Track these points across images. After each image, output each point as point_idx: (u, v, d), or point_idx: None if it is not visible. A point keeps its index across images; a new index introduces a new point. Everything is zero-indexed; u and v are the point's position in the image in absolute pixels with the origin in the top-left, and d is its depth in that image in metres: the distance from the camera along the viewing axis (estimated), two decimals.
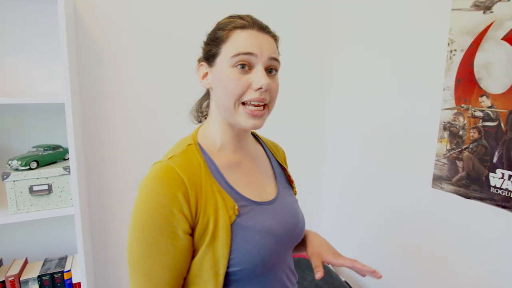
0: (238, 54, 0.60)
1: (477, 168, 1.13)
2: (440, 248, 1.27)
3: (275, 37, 0.67)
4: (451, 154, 1.21)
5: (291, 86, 1.80)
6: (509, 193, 1.03)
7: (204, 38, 0.69)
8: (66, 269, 1.19)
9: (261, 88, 0.60)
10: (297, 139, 1.87)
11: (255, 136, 0.85)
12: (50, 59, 1.27)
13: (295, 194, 0.83)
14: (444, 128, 1.23)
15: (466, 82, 1.14)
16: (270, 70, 0.64)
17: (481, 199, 1.12)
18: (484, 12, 1.07)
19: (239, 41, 0.61)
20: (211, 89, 0.68)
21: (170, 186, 0.57)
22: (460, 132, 1.18)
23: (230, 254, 0.59)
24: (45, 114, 1.29)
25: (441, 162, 1.25)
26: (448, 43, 1.19)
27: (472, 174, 1.15)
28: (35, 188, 1.13)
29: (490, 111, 1.08)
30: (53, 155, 1.22)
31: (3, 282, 1.13)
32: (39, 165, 1.16)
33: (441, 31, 1.21)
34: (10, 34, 1.22)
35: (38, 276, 1.16)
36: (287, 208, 0.73)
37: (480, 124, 1.11)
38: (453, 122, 1.20)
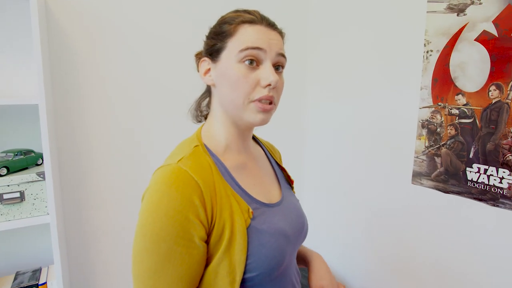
0: (246, 49, 0.58)
1: (455, 163, 1.18)
2: (421, 242, 1.31)
3: (282, 34, 0.66)
4: (429, 151, 1.26)
5: None
6: (485, 186, 1.09)
7: (206, 32, 0.66)
8: (41, 282, 1.11)
9: (269, 85, 0.59)
10: (276, 139, 1.87)
11: (253, 137, 0.84)
12: (21, 58, 1.19)
13: (294, 193, 0.83)
14: (423, 126, 1.28)
15: (443, 81, 1.19)
16: (277, 67, 0.63)
17: (459, 193, 1.17)
18: (457, 15, 1.12)
19: (248, 36, 0.59)
20: (214, 86, 0.65)
21: (185, 190, 0.53)
22: (438, 129, 1.22)
23: (246, 259, 0.56)
24: (15, 117, 1.21)
25: (420, 158, 1.30)
26: (424, 44, 1.24)
27: (450, 169, 1.19)
28: (5, 196, 1.05)
29: (466, 108, 1.13)
30: (25, 160, 1.14)
31: None
32: (9, 171, 1.08)
33: (417, 33, 1.26)
34: None
35: None
36: (294, 208, 0.72)
37: (456, 121, 1.16)
38: (430, 120, 1.25)
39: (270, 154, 0.82)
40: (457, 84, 1.15)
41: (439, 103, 1.21)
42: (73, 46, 1.30)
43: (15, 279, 1.14)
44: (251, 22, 0.60)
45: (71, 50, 1.29)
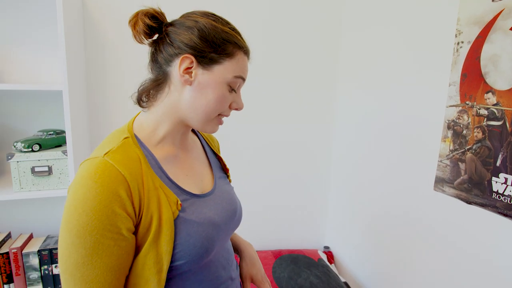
0: (239, 77, 0.65)
1: (480, 171, 1.03)
2: (439, 253, 1.18)
3: None
4: (453, 155, 1.12)
5: (298, 79, 1.76)
6: (511, 200, 0.94)
7: (196, 31, 0.62)
8: None
9: (237, 109, 0.67)
10: (303, 134, 1.83)
11: None
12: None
13: (230, 182, 0.84)
14: (448, 127, 1.14)
15: (472, 77, 1.04)
16: None
17: (482, 205, 1.03)
18: (493, 0, 0.97)
19: (242, 66, 0.65)
20: (183, 86, 0.63)
21: (110, 184, 0.53)
22: (464, 132, 1.08)
23: (174, 249, 0.58)
24: (53, 101, 1.37)
25: (443, 163, 1.17)
26: (456, 35, 1.09)
27: (474, 177, 1.05)
28: (36, 169, 1.21)
29: (495, 109, 0.98)
30: (56, 139, 1.29)
31: (8, 253, 1.23)
32: (42, 148, 1.24)
33: (449, 22, 1.12)
34: (20, 26, 1.31)
35: (38, 251, 1.25)
36: (226, 196, 0.73)
37: (484, 123, 1.01)
38: (457, 121, 1.11)
39: (207, 143, 0.83)
40: (487, 80, 1.00)
41: (467, 102, 1.07)
42: (106, 39, 1.42)
43: (44, 241, 1.32)
44: (245, 52, 0.66)
45: (104, 42, 1.42)
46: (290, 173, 1.86)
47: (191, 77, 0.62)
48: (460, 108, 1.09)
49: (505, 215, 0.96)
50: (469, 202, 1.07)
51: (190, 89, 0.63)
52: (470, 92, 1.05)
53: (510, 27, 0.92)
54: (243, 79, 0.66)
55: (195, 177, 0.70)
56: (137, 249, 0.58)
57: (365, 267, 1.63)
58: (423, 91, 1.24)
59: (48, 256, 1.26)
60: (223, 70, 0.62)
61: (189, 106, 0.63)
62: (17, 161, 1.18)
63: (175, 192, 0.62)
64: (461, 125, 1.09)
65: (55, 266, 1.28)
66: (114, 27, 1.43)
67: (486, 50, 0.99)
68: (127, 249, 0.56)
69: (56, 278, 1.29)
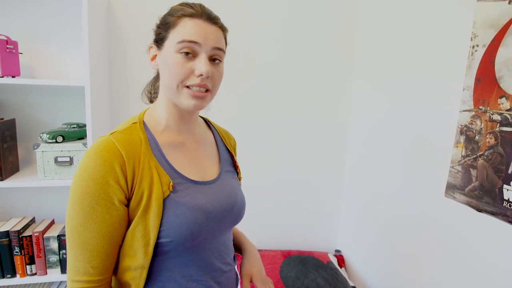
0: (183, 41, 0.64)
1: (491, 178, 1.00)
2: (449, 261, 1.16)
3: (223, 28, 0.70)
4: (465, 161, 1.10)
5: (313, 78, 1.76)
6: None
7: (157, 21, 0.72)
8: None
9: (201, 75, 0.64)
10: (317, 133, 1.83)
11: (208, 123, 0.88)
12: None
13: (239, 179, 0.86)
14: (461, 132, 1.11)
15: (486, 82, 1.02)
16: (214, 59, 0.68)
17: (493, 213, 1.00)
18: (509, 2, 0.94)
19: (185, 29, 0.64)
20: (158, 70, 0.72)
21: (107, 158, 0.61)
22: (476, 137, 1.05)
23: (160, 226, 0.63)
24: (76, 95, 1.46)
25: (455, 169, 1.14)
26: (471, 38, 1.07)
27: (485, 184, 1.02)
28: (59, 159, 1.29)
29: (509, 114, 0.95)
30: (79, 132, 1.38)
31: (31, 236, 1.32)
32: (65, 139, 1.32)
33: (465, 25, 1.09)
34: (46, 22, 1.40)
35: (58, 236, 1.34)
36: (227, 189, 0.76)
37: (497, 129, 0.98)
38: (470, 126, 1.08)
39: (222, 140, 0.85)
40: (501, 85, 0.97)
41: (480, 107, 1.04)
42: (128, 36, 1.50)
43: (64, 227, 1.40)
44: (191, 16, 0.65)
45: (126, 40, 1.50)
46: (303, 172, 1.86)
47: (156, 61, 0.71)
48: (473, 113, 1.06)
49: None
50: (479, 210, 1.04)
51: (160, 71, 0.70)
52: (484, 97, 1.03)
53: None
54: (190, 42, 0.63)
55: (198, 166, 0.74)
56: (130, 222, 0.64)
57: (375, 272, 1.61)
58: (437, 95, 1.22)
59: None
60: (170, 42, 0.66)
61: (163, 85, 0.70)
62: (42, 151, 1.27)
63: (169, 174, 0.67)
64: (474, 131, 1.06)
65: None
66: (136, 25, 1.50)
67: (501, 54, 0.97)
68: (118, 219, 0.62)
69: None
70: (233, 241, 0.93)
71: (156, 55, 0.71)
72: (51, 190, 1.49)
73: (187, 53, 0.64)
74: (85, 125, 1.42)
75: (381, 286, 1.55)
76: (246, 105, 1.72)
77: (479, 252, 1.04)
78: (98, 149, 0.62)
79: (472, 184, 1.07)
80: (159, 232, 0.63)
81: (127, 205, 0.64)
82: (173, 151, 0.71)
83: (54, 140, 1.29)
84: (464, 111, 1.10)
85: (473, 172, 1.07)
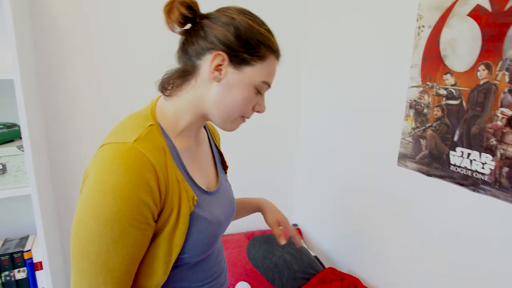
0: (266, 83, 0.64)
1: (439, 146, 1.13)
2: (402, 222, 1.30)
3: None
4: (415, 133, 1.22)
5: None
6: (467, 171, 1.05)
7: (232, 29, 0.60)
8: (26, 249, 1.17)
9: (259, 112, 0.68)
10: (270, 119, 1.85)
11: None
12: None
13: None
14: (410, 106, 1.23)
15: (432, 60, 1.12)
16: None
17: (441, 177, 1.14)
18: None
19: (271, 70, 0.64)
20: (211, 82, 0.62)
21: (141, 172, 0.51)
22: (425, 110, 1.17)
23: (184, 242, 0.58)
24: (3, 90, 1.22)
25: (406, 140, 1.26)
26: (417, 19, 1.16)
27: (434, 152, 1.15)
28: None
29: (453, 89, 1.07)
30: (8, 134, 1.16)
31: None
32: None
33: (410, 7, 1.18)
34: None
35: None
36: (227, 195, 0.75)
37: (443, 102, 1.11)
38: (418, 100, 1.19)
39: (212, 137, 0.82)
40: (446, 63, 1.08)
41: (428, 83, 1.15)
42: (58, 24, 1.28)
43: (3, 245, 1.20)
44: (276, 56, 0.65)
45: (55, 27, 1.28)
46: (258, 154, 1.87)
47: (221, 75, 0.61)
48: (421, 88, 1.18)
49: (461, 184, 1.07)
50: (429, 175, 1.18)
51: (218, 85, 0.62)
52: (431, 73, 1.14)
53: (467, 13, 1.00)
54: (269, 86, 0.66)
55: (203, 172, 0.70)
56: (152, 238, 0.57)
57: (333, 240, 1.74)
58: (387, 73, 1.31)
59: (9, 261, 1.16)
60: (254, 72, 0.62)
61: (214, 102, 0.63)
62: None
63: (191, 187, 0.62)
64: (422, 105, 1.18)
65: (18, 271, 1.19)
66: (64, 14, 1.29)
67: (445, 34, 1.07)
68: (148, 238, 0.56)
69: (20, 284, 1.19)
70: (243, 204, 0.97)
71: (221, 68, 0.61)
72: None
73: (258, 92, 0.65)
74: (14, 125, 1.20)
75: (339, 253, 1.69)
76: None
77: (428, 211, 1.19)
78: (127, 162, 0.51)
79: (422, 153, 1.20)
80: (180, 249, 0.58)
81: (155, 221, 0.56)
82: (186, 159, 0.65)
83: None
84: (412, 87, 1.21)
85: (423, 142, 1.19)
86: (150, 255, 0.57)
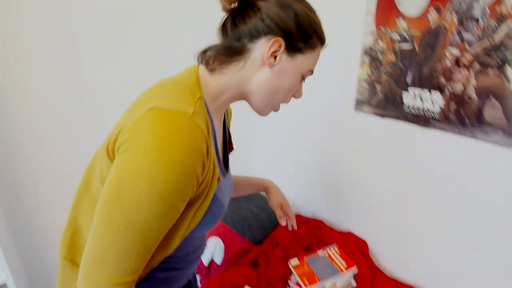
0: (311, 71, 0.64)
1: (393, 89, 1.23)
2: (357, 159, 1.41)
3: None
4: (371, 79, 1.29)
5: None
6: (419, 109, 1.16)
7: (293, 16, 0.58)
8: None
9: (296, 97, 0.67)
10: None
11: None
12: None
13: None
14: (365, 53, 1.29)
15: (386, 6, 1.17)
16: None
17: (395, 117, 1.24)
18: None
19: (316, 59, 0.64)
20: (262, 66, 0.59)
21: (201, 149, 0.49)
22: (379, 56, 1.24)
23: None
24: None
25: (362, 86, 1.33)
26: None
27: (388, 95, 1.25)
28: None
29: (406, 34, 1.15)
30: None
31: None
32: None
33: None
34: None
35: None
36: (231, 178, 0.76)
37: (397, 47, 1.18)
38: (373, 47, 1.25)
39: (226, 116, 0.79)
40: (399, 8, 1.14)
41: (381, 28, 1.21)
42: None
43: None
44: (322, 45, 0.64)
45: None
46: None
47: (275, 61, 0.59)
48: (376, 35, 1.23)
49: (413, 122, 1.19)
50: (384, 116, 1.28)
51: (268, 71, 0.60)
52: (384, 19, 1.19)
53: None
54: (312, 73, 0.66)
55: (221, 152, 0.69)
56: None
57: (295, 188, 1.83)
58: (341, 21, 1.34)
59: None
60: (304, 61, 0.62)
61: (260, 86, 0.61)
62: None
63: (218, 166, 0.61)
64: (377, 51, 1.25)
65: None
66: None
67: None
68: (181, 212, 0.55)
69: None
70: (249, 182, 0.99)
71: (277, 55, 0.59)
72: None
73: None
74: None
75: (303, 200, 1.80)
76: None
77: (384, 150, 1.31)
78: (190, 136, 0.48)
79: (378, 97, 1.29)
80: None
81: None
82: (216, 136, 0.62)
83: None
84: (367, 34, 1.26)
85: (378, 87, 1.28)
86: (173, 230, 0.56)
